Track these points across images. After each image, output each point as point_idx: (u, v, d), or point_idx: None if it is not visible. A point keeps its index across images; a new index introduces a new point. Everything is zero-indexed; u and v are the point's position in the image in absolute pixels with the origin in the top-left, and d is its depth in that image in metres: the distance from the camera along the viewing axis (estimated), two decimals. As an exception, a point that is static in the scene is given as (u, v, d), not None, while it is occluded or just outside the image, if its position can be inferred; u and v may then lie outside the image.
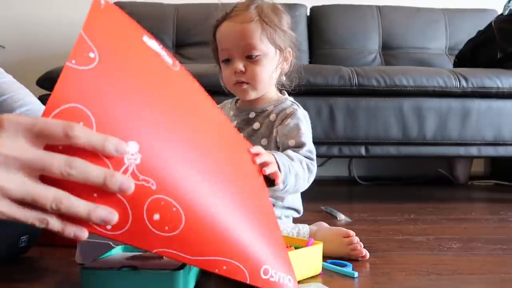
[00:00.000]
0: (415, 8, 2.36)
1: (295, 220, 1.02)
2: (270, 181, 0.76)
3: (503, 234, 1.12)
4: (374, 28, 2.31)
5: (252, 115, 1.01)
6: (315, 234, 0.90)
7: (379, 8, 2.35)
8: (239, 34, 0.92)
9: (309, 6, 2.36)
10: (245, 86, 0.95)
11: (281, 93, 1.04)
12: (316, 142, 1.61)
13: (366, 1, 2.39)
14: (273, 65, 0.95)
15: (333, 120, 1.59)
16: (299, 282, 0.71)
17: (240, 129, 1.01)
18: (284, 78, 1.02)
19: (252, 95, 0.97)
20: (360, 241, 0.86)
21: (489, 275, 0.78)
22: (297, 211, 1.03)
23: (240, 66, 0.92)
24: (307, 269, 0.75)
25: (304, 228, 0.92)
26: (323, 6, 2.35)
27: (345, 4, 2.34)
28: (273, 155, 0.78)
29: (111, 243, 0.77)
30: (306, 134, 0.95)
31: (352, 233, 0.86)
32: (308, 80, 1.56)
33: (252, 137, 0.99)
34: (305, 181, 0.89)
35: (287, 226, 0.91)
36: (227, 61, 0.95)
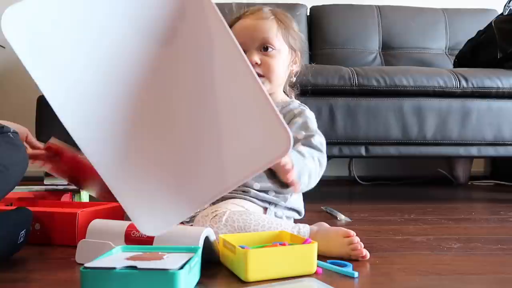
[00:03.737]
0: (415, 8, 2.37)
1: (296, 221, 1.02)
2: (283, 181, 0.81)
3: (503, 234, 1.12)
4: (374, 28, 2.31)
5: None
6: (316, 234, 0.90)
7: (379, 8, 2.35)
8: (256, 28, 0.96)
9: (309, 6, 2.36)
10: (260, 79, 0.96)
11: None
12: (316, 142, 1.59)
13: (366, 1, 2.39)
14: (286, 63, 0.98)
15: (333, 120, 1.59)
16: (290, 278, 0.72)
17: None
18: (293, 79, 1.05)
19: (266, 88, 0.98)
20: (360, 241, 0.86)
21: (489, 275, 0.78)
22: (298, 212, 1.04)
23: (255, 58, 0.95)
24: (298, 267, 0.75)
25: (305, 228, 0.92)
26: (323, 6, 2.35)
27: (345, 4, 2.35)
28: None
29: (111, 243, 0.77)
30: (315, 129, 0.97)
31: (352, 233, 0.86)
32: (308, 80, 1.56)
33: None
34: (317, 177, 0.92)
35: (287, 226, 0.91)
36: None
